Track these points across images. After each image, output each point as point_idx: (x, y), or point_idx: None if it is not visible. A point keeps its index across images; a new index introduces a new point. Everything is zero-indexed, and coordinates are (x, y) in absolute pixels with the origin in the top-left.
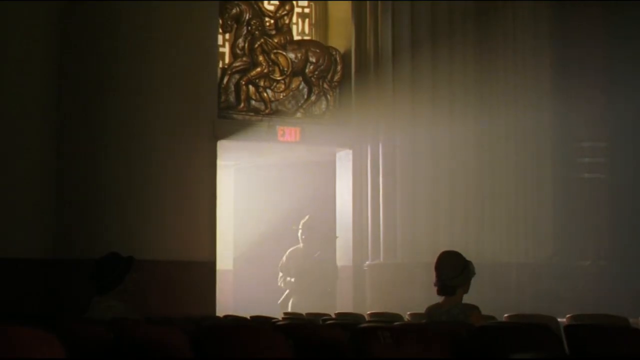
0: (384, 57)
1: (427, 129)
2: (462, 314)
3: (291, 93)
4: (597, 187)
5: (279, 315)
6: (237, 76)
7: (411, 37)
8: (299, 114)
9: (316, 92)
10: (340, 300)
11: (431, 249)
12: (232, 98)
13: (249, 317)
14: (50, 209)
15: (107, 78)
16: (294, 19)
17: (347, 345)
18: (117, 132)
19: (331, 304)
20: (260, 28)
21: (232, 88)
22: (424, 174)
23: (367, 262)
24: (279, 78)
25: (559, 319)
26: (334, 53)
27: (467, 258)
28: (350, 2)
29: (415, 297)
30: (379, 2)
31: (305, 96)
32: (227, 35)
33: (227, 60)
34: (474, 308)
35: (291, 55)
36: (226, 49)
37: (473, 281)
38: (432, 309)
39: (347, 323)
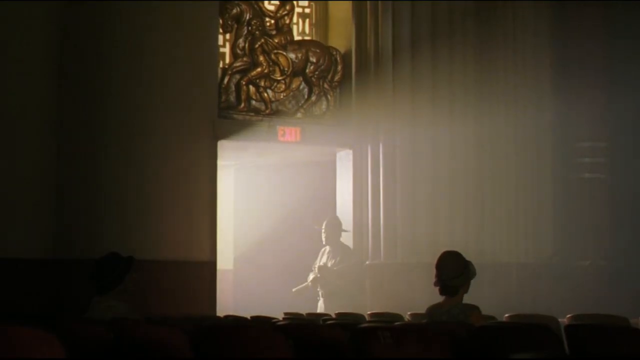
0: (384, 57)
1: (427, 129)
2: (462, 314)
3: (291, 93)
4: (597, 187)
5: (279, 315)
6: (237, 76)
7: (411, 37)
8: (299, 114)
9: (316, 92)
10: (372, 299)
11: (431, 249)
12: (232, 98)
13: (249, 317)
14: (50, 209)
15: (107, 78)
16: (295, 19)
17: (347, 345)
18: (117, 132)
19: (362, 304)
20: (260, 28)
21: (233, 88)
22: (424, 174)
23: (367, 262)
24: (279, 78)
25: (559, 319)
26: (334, 53)
27: (467, 258)
28: (350, 2)
29: (415, 297)
30: (379, 2)
31: (306, 96)
32: (227, 36)
33: (227, 60)
34: (474, 308)
35: (291, 56)
36: (226, 49)
37: (473, 281)
38: (433, 309)
39: (347, 323)
